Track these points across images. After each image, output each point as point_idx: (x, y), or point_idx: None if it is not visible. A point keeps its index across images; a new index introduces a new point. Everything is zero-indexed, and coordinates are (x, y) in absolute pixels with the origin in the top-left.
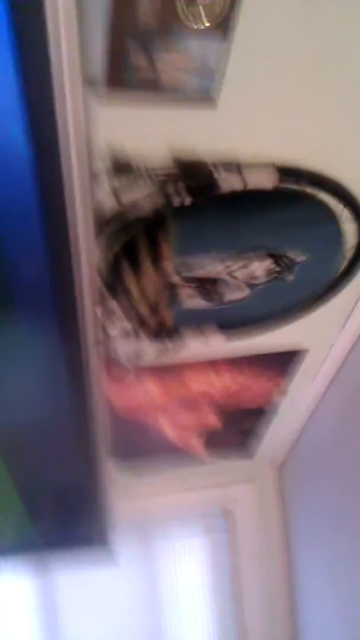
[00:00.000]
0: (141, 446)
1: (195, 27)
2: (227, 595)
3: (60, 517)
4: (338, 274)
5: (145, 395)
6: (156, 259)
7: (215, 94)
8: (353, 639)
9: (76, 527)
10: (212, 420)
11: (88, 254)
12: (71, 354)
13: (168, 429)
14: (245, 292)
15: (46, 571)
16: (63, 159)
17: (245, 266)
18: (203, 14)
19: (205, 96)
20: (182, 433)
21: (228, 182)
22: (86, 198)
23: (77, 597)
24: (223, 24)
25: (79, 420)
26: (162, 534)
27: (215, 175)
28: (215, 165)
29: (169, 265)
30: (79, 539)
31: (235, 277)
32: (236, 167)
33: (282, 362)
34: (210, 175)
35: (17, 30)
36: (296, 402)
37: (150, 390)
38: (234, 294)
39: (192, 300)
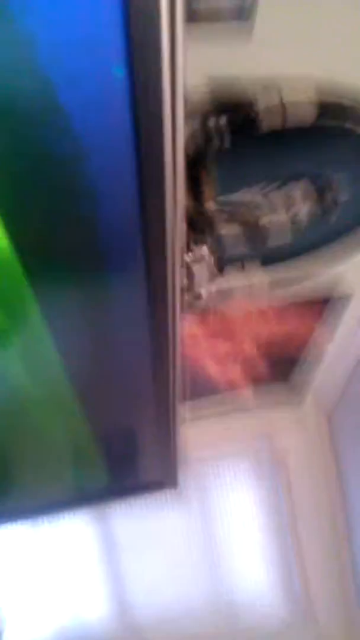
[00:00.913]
0: (195, 390)
1: None
2: (284, 526)
3: (135, 462)
4: None
5: (197, 340)
6: (195, 190)
7: (251, 15)
8: None
9: (150, 471)
10: (259, 366)
11: (179, 197)
12: (157, 299)
13: (216, 372)
14: (287, 238)
15: (107, 512)
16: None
17: (280, 187)
18: None
19: (241, 19)
20: (220, 361)
21: (268, 118)
22: (178, 136)
23: (135, 536)
24: None
25: (161, 364)
26: (217, 477)
27: (256, 107)
28: (255, 95)
29: (207, 194)
30: (152, 484)
31: (272, 202)
32: (277, 95)
33: (327, 309)
34: (250, 106)
35: None
36: (343, 349)
37: (201, 334)
38: (278, 240)
39: (236, 246)
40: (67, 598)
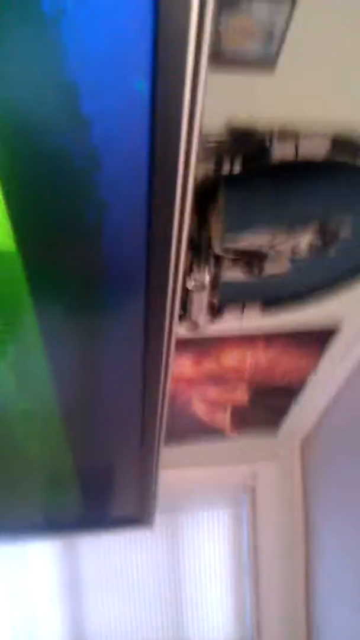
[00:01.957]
0: (170, 420)
1: None
2: (245, 566)
3: (113, 496)
4: None
5: (177, 368)
6: (203, 226)
7: (274, 59)
8: None
9: (126, 507)
10: (241, 396)
11: (186, 217)
12: (154, 322)
13: (196, 403)
14: (286, 267)
15: (72, 545)
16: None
17: (289, 240)
18: None
19: (264, 61)
20: (210, 407)
21: (280, 151)
22: (191, 156)
23: (99, 567)
24: None
25: (149, 401)
26: (185, 506)
27: (268, 142)
28: (269, 132)
29: (215, 232)
30: (127, 520)
31: (278, 251)
32: (290, 135)
33: (314, 341)
34: (263, 142)
35: None
36: (324, 381)
37: (183, 363)
38: (275, 268)
39: (232, 273)
40: (23, 627)
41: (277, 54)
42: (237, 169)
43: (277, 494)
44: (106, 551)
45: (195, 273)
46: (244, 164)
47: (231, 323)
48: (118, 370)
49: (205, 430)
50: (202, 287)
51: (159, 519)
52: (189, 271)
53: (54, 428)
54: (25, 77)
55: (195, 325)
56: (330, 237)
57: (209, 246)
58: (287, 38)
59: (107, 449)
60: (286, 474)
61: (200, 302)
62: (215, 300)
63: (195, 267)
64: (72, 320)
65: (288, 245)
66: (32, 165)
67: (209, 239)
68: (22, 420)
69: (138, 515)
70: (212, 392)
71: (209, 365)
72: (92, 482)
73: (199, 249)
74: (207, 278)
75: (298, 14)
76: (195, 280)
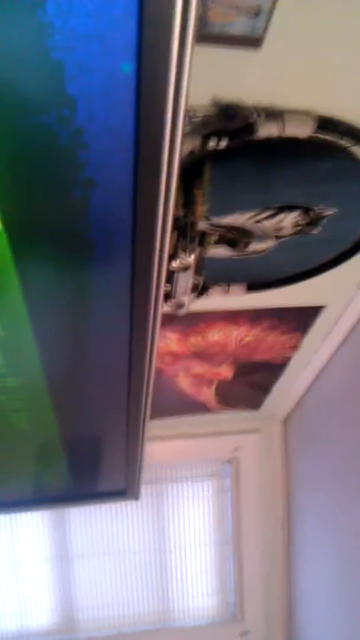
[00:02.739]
0: (156, 393)
1: None
2: (228, 536)
3: (100, 469)
4: None
5: (163, 342)
6: (188, 203)
7: (261, 34)
8: (346, 585)
9: (112, 480)
10: (226, 371)
11: (170, 198)
12: (139, 305)
13: (181, 376)
14: (269, 244)
15: (60, 515)
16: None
17: (272, 216)
18: None
19: (251, 36)
20: (195, 382)
21: (265, 128)
22: (177, 136)
23: (86, 537)
24: None
25: (137, 373)
26: (170, 478)
27: (254, 119)
28: (255, 108)
29: (199, 210)
30: (114, 492)
31: (262, 227)
32: (275, 113)
33: (299, 318)
34: (248, 119)
35: None
36: (307, 358)
37: (170, 337)
38: (259, 244)
39: (216, 250)
40: (11, 597)
41: (265, 30)
42: (222, 145)
43: (260, 467)
44: (93, 522)
45: (179, 253)
46: (229, 141)
47: (217, 299)
48: (104, 344)
49: (190, 404)
50: (186, 267)
51: (144, 489)
52: (173, 251)
53: (41, 402)
54: (11, 57)
55: (179, 305)
56: (315, 215)
57: (194, 223)
58: (275, 14)
59: (93, 422)
60: (269, 447)
61: (185, 282)
62: (200, 281)
63: (180, 247)
64: (59, 296)
65: (272, 223)
66: (18, 144)
67: (194, 215)
68: (9, 395)
69: (125, 487)
70: (198, 366)
71: (194, 340)
72: (79, 456)
73: (184, 228)
74: (191, 258)
75: None
76: (180, 260)
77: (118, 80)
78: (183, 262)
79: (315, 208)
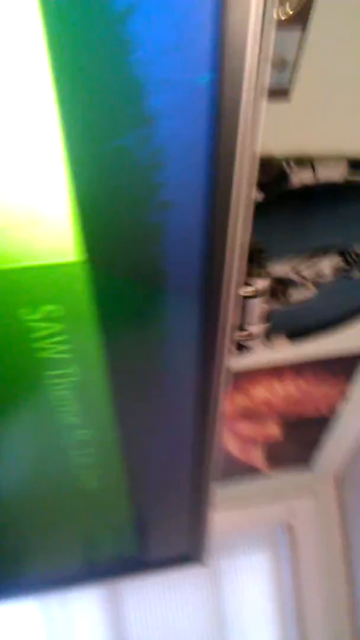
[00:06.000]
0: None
1: (279, 16)
2: (290, 609)
3: (166, 532)
4: None
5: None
6: None
7: (289, 86)
8: None
9: (177, 544)
10: (274, 430)
11: (241, 231)
12: (208, 332)
13: (229, 439)
14: (312, 292)
15: (115, 595)
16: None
17: (312, 265)
18: (288, 2)
19: (279, 89)
20: (243, 444)
21: (298, 177)
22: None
23: (141, 618)
24: (303, 13)
25: (206, 432)
26: (223, 551)
27: (287, 169)
28: (286, 159)
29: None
30: (178, 558)
31: (302, 276)
32: (308, 161)
33: (346, 365)
34: (281, 169)
35: None
36: (358, 408)
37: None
38: (301, 294)
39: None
40: None
41: (291, 81)
42: (258, 198)
43: (317, 530)
44: (148, 603)
45: (249, 279)
46: (264, 192)
47: (259, 354)
48: (175, 382)
49: (239, 469)
50: (258, 293)
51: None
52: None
53: (111, 457)
54: (93, 75)
55: (249, 336)
56: (354, 257)
57: (260, 250)
58: (302, 65)
59: (161, 479)
60: (324, 508)
61: (255, 309)
62: (270, 309)
63: (249, 272)
64: (133, 332)
65: (312, 270)
66: (102, 168)
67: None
68: (80, 450)
69: (190, 551)
70: (244, 427)
71: (239, 399)
72: (147, 517)
73: (251, 253)
74: (262, 284)
75: (310, 40)
76: (251, 285)
77: (196, 92)
78: (255, 286)
79: (355, 250)
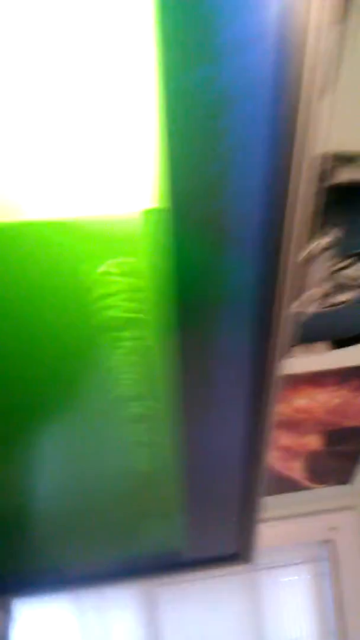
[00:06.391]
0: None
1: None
2: (331, 625)
3: (216, 528)
4: None
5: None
6: None
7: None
8: None
9: (226, 542)
10: (313, 440)
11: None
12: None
13: (270, 451)
14: (352, 294)
15: (151, 604)
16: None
17: (352, 263)
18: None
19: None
20: (282, 455)
21: (339, 174)
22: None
23: (178, 622)
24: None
25: (259, 423)
26: (263, 565)
27: (327, 166)
28: (324, 155)
29: None
30: (226, 556)
31: (346, 276)
32: (347, 157)
33: None
34: (322, 165)
35: None
36: None
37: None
38: (340, 296)
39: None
40: None
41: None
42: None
43: (357, 547)
44: (185, 613)
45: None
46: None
47: (300, 360)
48: (233, 361)
49: (278, 481)
50: (321, 252)
51: (236, 580)
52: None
53: (168, 437)
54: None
55: (310, 300)
56: None
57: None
58: (342, 61)
59: (214, 468)
60: None
61: (323, 268)
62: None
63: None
64: (208, 290)
65: (352, 270)
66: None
67: None
68: (136, 425)
69: (239, 550)
70: (285, 437)
71: (280, 407)
72: (196, 507)
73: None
74: (329, 237)
75: (350, 36)
76: (316, 241)
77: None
78: (318, 245)
79: None
